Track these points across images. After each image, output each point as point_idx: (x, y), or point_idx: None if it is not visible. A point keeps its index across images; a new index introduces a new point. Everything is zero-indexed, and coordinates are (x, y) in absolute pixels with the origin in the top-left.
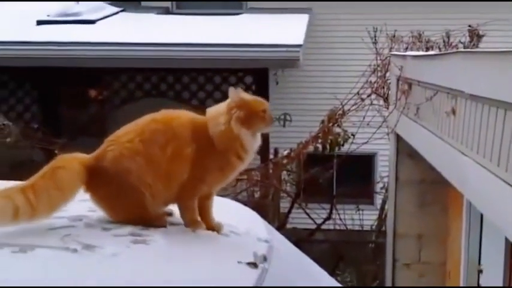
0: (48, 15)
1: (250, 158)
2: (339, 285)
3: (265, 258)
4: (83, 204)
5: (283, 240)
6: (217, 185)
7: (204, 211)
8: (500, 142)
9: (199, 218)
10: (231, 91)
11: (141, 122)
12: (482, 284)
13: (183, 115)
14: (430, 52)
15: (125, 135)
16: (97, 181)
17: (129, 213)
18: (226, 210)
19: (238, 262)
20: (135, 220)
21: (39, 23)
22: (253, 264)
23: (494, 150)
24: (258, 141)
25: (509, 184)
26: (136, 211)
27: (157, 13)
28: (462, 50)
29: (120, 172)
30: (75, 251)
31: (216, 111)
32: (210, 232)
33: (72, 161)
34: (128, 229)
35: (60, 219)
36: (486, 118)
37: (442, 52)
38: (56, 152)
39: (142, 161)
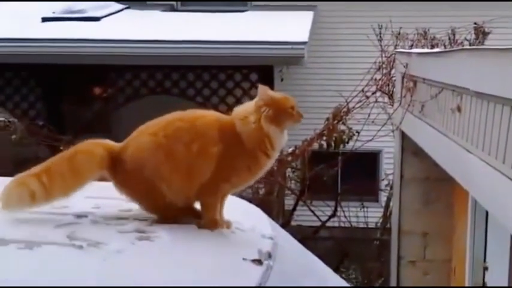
0: (53, 12)
1: (276, 156)
2: (344, 282)
3: (269, 255)
4: (88, 200)
5: (287, 237)
6: (244, 184)
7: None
8: (506, 139)
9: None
10: (261, 88)
11: (168, 118)
12: (487, 281)
13: (209, 114)
14: (435, 49)
15: (152, 127)
16: (120, 169)
17: (148, 204)
18: (231, 206)
19: (243, 259)
20: (155, 211)
21: (44, 20)
22: (258, 261)
23: (500, 148)
24: (285, 138)
25: None
26: (152, 203)
27: (162, 10)
28: (467, 47)
29: (137, 163)
30: (80, 247)
31: (244, 110)
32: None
33: (96, 146)
34: (133, 225)
35: (66, 216)
36: (492, 115)
37: (447, 49)
38: (61, 148)
39: (161, 155)
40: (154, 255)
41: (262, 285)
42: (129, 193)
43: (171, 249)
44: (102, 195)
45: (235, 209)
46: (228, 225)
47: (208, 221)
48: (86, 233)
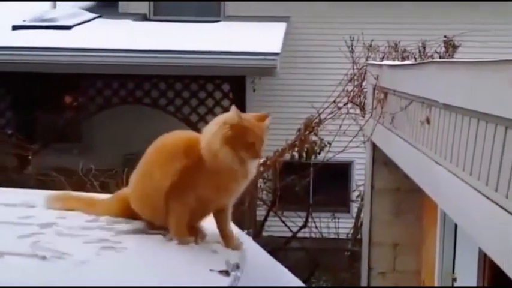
0: (24, 20)
1: (237, 180)
2: None
3: (237, 267)
4: (53, 211)
5: (257, 248)
6: (210, 198)
7: (219, 223)
8: (473, 151)
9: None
10: (233, 109)
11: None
12: None
13: (181, 134)
14: (406, 62)
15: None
16: None
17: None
18: None
19: (211, 270)
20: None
21: (15, 28)
22: (226, 272)
23: (467, 160)
24: (249, 171)
25: (480, 193)
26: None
27: (135, 19)
28: (436, 60)
29: None
30: (44, 258)
31: (211, 127)
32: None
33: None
34: (98, 236)
35: (30, 226)
36: (460, 128)
37: (417, 62)
38: (30, 157)
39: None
40: (119, 265)
41: None
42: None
43: (137, 260)
44: None
45: (204, 220)
46: (202, 237)
47: (174, 232)
48: (50, 244)
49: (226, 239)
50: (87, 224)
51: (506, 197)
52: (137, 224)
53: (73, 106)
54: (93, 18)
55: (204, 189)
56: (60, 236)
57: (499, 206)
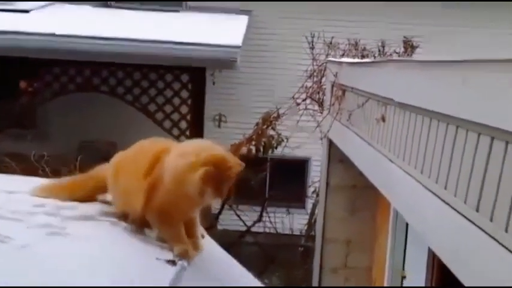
0: None
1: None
2: (261, 285)
3: (183, 256)
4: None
5: (208, 239)
6: (179, 209)
7: (187, 227)
8: (424, 150)
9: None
10: (228, 154)
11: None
12: None
13: (154, 145)
14: (365, 60)
15: None
16: None
17: None
18: None
19: (157, 259)
20: None
21: None
22: (172, 262)
23: (419, 158)
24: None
25: (430, 191)
26: None
27: (95, 6)
28: (392, 58)
29: None
30: None
31: (184, 153)
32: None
33: None
34: (44, 221)
35: None
36: (413, 126)
37: (374, 60)
38: None
39: None
40: (62, 251)
41: (175, 286)
42: None
43: (83, 246)
44: (15, 189)
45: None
46: (197, 247)
47: (170, 243)
48: None
49: (192, 242)
50: (32, 209)
51: (455, 196)
52: (84, 210)
53: (28, 92)
54: (52, 3)
55: (163, 204)
56: (4, 219)
57: (448, 204)
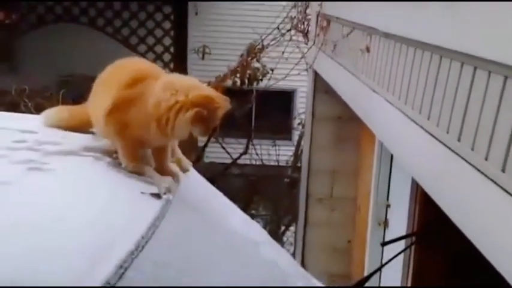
0: None
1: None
2: (246, 217)
3: (169, 190)
4: None
5: (193, 173)
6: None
7: (156, 156)
8: (408, 80)
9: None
10: (224, 98)
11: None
12: (389, 218)
13: (134, 63)
14: None
15: None
16: None
17: None
18: None
19: (142, 193)
20: None
21: None
22: (157, 195)
23: (403, 89)
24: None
25: (414, 121)
26: None
27: None
28: None
29: None
30: None
31: (172, 87)
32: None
33: None
34: (25, 156)
35: None
36: (397, 56)
37: None
38: None
39: None
40: (45, 186)
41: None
42: None
43: (65, 181)
44: None
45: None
46: (173, 175)
47: (122, 160)
48: None
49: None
50: (14, 144)
51: (437, 126)
52: (67, 145)
53: (4, 24)
54: None
55: (132, 120)
56: None
57: (431, 134)
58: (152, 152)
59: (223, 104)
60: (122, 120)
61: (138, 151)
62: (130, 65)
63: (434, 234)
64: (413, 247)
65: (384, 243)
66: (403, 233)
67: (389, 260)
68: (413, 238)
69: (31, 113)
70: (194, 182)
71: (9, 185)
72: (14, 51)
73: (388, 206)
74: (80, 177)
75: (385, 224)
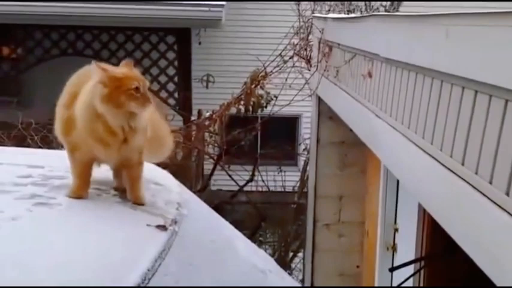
0: None
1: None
2: (253, 245)
3: (175, 221)
4: None
5: (198, 202)
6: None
7: (128, 181)
8: (411, 105)
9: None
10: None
11: None
12: (397, 241)
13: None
14: (350, 15)
15: None
16: None
17: None
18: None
19: (147, 225)
20: None
21: None
22: (163, 227)
23: (406, 113)
24: (138, 120)
25: (417, 146)
26: None
27: None
28: (378, 13)
29: None
30: None
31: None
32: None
33: None
34: (31, 192)
35: None
36: (399, 81)
37: (360, 15)
38: None
39: None
40: (53, 221)
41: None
42: None
43: (71, 216)
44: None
45: (145, 174)
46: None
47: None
48: None
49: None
50: (19, 180)
51: (441, 150)
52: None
53: (11, 58)
54: None
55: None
56: None
57: (434, 158)
58: (117, 173)
59: (124, 77)
60: (72, 141)
61: (87, 170)
62: (74, 78)
63: (443, 258)
64: (422, 271)
65: (393, 269)
66: (412, 256)
67: (399, 285)
68: (422, 262)
69: (38, 146)
70: (199, 211)
71: (16, 221)
72: (20, 85)
73: (396, 229)
74: (86, 212)
75: (394, 248)
